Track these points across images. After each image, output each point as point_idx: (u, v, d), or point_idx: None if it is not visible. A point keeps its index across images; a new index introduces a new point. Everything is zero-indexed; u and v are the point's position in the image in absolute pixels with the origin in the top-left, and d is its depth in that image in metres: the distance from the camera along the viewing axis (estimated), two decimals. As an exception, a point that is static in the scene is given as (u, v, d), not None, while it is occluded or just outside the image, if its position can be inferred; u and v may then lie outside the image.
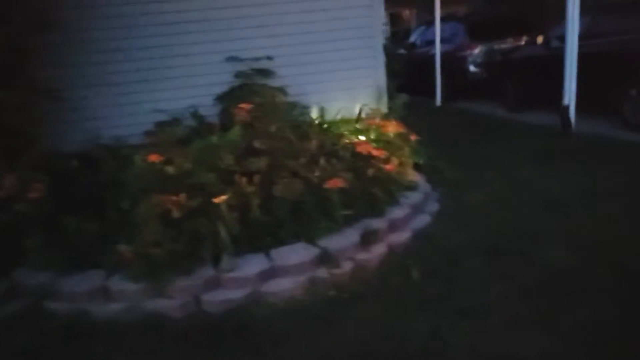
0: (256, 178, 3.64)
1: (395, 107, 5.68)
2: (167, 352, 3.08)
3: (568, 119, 7.35)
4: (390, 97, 5.76)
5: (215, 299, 3.45)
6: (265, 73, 5.14)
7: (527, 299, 3.33)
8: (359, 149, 4.26)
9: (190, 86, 5.02)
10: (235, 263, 3.51)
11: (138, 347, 3.11)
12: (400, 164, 4.72)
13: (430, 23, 12.72)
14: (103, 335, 3.25)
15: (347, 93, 5.44)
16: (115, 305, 3.43)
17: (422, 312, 3.31)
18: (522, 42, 10.52)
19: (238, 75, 5.05)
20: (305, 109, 5.15)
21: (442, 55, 11.68)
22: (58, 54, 4.56)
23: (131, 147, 4.17)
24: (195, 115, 4.86)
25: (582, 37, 7.12)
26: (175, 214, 3.29)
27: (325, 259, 3.70)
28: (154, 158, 3.68)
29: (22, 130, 4.03)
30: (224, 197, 3.39)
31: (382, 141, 4.81)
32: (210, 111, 4.97)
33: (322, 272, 3.67)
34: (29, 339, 3.21)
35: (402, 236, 4.16)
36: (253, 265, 3.57)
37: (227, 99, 4.92)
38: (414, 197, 4.60)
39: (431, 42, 12.16)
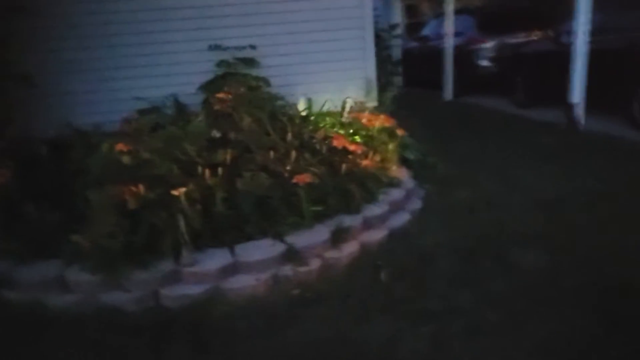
0: (221, 170, 3.51)
1: (386, 101, 5.49)
2: (114, 346, 2.98)
3: (575, 117, 7.09)
4: (382, 90, 5.58)
5: (174, 293, 3.35)
6: (250, 62, 5.00)
7: (497, 306, 3.18)
8: (335, 143, 4.11)
9: (172, 74, 4.92)
10: (195, 257, 3.40)
11: (86, 340, 3.02)
12: (383, 160, 4.56)
13: (443, 16, 12.43)
14: (54, 326, 3.16)
15: (334, 85, 5.28)
16: (70, 297, 3.34)
17: (385, 315, 3.17)
18: (534, 37, 10.20)
19: (221, 64, 4.92)
20: (287, 100, 5.00)
21: (453, 48, 11.41)
22: (35, 39, 4.48)
23: (104, 135, 4.07)
24: (177, 103, 4.74)
25: (593, 33, 6.85)
26: (131, 205, 3.18)
27: (292, 256, 3.58)
28: (120, 147, 3.58)
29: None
30: (183, 190, 3.27)
31: (365, 135, 4.64)
32: (193, 100, 4.85)
33: (287, 270, 3.55)
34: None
35: (377, 235, 4.01)
36: (215, 260, 3.46)
37: (210, 88, 4.79)
38: (395, 194, 4.43)
39: (443, 35, 11.88)
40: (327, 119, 4.89)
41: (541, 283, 3.37)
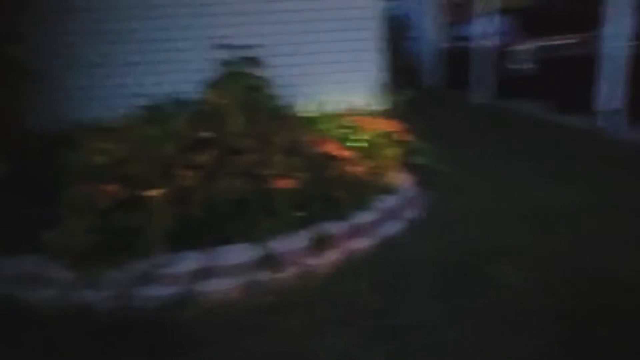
0: (200, 172, 3.46)
1: (396, 104, 5.32)
2: (70, 345, 2.97)
3: (615, 124, 6.70)
4: (393, 92, 5.42)
5: (145, 294, 3.32)
6: (253, 62, 4.94)
7: (464, 324, 3.01)
8: (325, 147, 3.99)
9: (174, 71, 4.92)
10: (169, 259, 3.36)
11: (45, 337, 3.03)
12: (379, 166, 4.41)
13: (484, 15, 12.05)
14: (22, 322, 3.19)
15: (341, 86, 5.18)
16: (44, 292, 3.36)
17: (349, 328, 3.06)
18: (575, 40, 9.73)
19: (224, 63, 4.88)
20: (291, 100, 4.91)
21: (490, 49, 11.04)
22: (41, 35, 4.57)
23: (94, 131, 4.09)
24: (178, 101, 4.73)
25: (635, 37, 6.46)
26: (103, 204, 3.17)
27: (269, 261, 3.49)
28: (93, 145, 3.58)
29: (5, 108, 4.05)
30: (156, 190, 3.24)
31: (362, 140, 4.50)
32: (195, 98, 4.83)
33: (263, 276, 3.47)
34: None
35: (363, 243, 3.88)
36: (189, 262, 3.42)
37: (211, 86, 4.76)
38: (390, 201, 4.28)
39: (482, 36, 11.52)
40: (328, 121, 4.77)
41: (517, 302, 3.18)
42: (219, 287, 3.38)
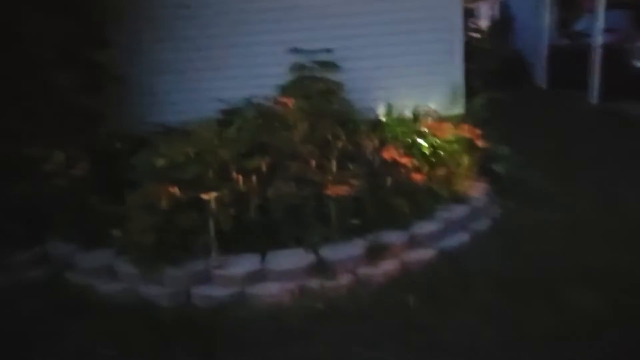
0: (255, 177, 3.56)
1: (475, 108, 5.09)
2: (132, 337, 3.17)
3: None
4: (471, 95, 5.19)
5: (202, 293, 3.48)
6: (328, 65, 4.95)
7: (524, 351, 2.81)
8: (384, 155, 3.91)
9: (252, 76, 5.04)
10: (224, 260, 3.49)
11: (113, 327, 3.27)
12: (449, 173, 4.24)
13: (599, 9, 11.11)
14: (97, 312, 3.47)
15: (416, 90, 5.03)
16: (116, 285, 3.64)
17: (395, 343, 3.02)
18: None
19: (298, 67, 4.95)
20: (364, 105, 4.87)
21: (605, 46, 10.15)
22: (127, 41, 4.91)
23: (166, 134, 4.34)
24: (255, 106, 4.85)
25: None
26: (163, 205, 3.36)
27: (321, 268, 3.51)
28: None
29: (85, 109, 4.44)
30: (213, 194, 3.38)
31: (433, 145, 4.36)
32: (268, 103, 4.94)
33: (315, 282, 3.49)
34: (41, 306, 3.55)
35: (423, 254, 3.77)
36: (243, 265, 3.53)
37: (286, 91, 4.85)
38: (457, 211, 4.12)
39: (597, 31, 10.62)
40: (399, 126, 4.67)
41: (587, 331, 2.91)
42: (271, 290, 3.45)
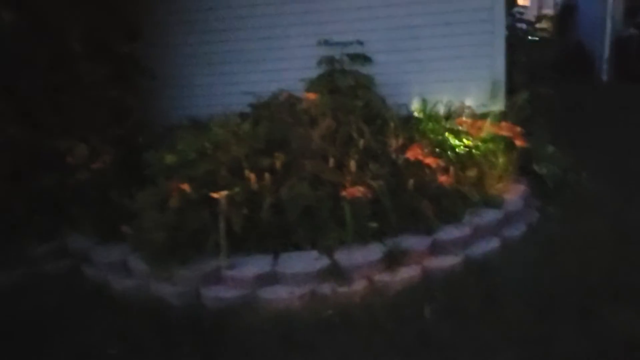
0: (268, 176, 3.41)
1: (517, 104, 4.73)
2: (138, 336, 3.12)
3: None
4: (514, 91, 4.83)
5: (212, 294, 3.38)
6: (359, 58, 4.74)
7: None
8: (408, 154, 3.67)
9: (282, 69, 4.90)
10: (234, 261, 3.38)
11: (121, 326, 3.22)
12: (483, 174, 3.95)
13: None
14: (109, 308, 3.44)
15: (453, 85, 4.73)
16: (130, 281, 3.60)
17: (406, 358, 2.78)
18: None
19: (328, 60, 4.75)
20: (397, 100, 4.62)
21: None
22: (159, 33, 4.86)
23: (192, 128, 4.26)
24: (280, 100, 4.71)
25: None
26: (173, 202, 3.27)
27: (335, 273, 3.33)
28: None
29: (113, 102, 4.42)
30: (224, 193, 3.25)
31: (466, 144, 4.07)
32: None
33: (327, 287, 3.32)
34: (56, 299, 3.56)
35: (447, 261, 3.52)
36: (253, 266, 3.39)
37: (314, 85, 4.67)
38: (488, 216, 3.83)
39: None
40: (432, 123, 4.40)
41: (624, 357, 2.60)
42: (282, 294, 3.31)
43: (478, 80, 4.71)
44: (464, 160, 4.00)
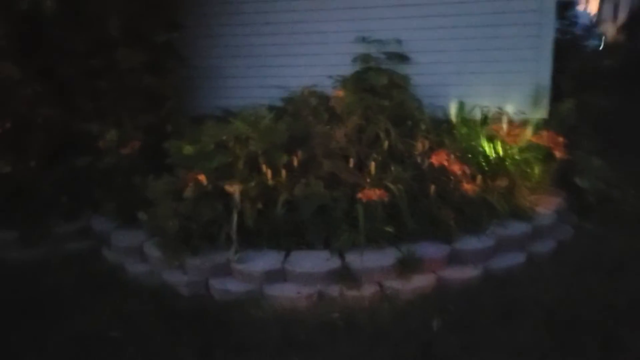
0: (285, 173, 3.34)
1: (562, 113, 4.45)
2: (140, 324, 3.12)
3: None
4: (560, 99, 4.55)
5: (221, 286, 3.35)
6: (397, 57, 4.59)
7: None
8: (433, 159, 3.50)
9: (316, 65, 4.81)
10: (245, 255, 3.34)
11: (129, 311, 3.24)
12: (515, 184, 3.74)
13: None
14: (120, 292, 3.47)
15: (495, 89, 4.51)
16: (143, 267, 3.63)
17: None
18: None
19: (364, 58, 4.63)
20: (434, 102, 4.46)
21: None
22: (197, 23, 4.88)
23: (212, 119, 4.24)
24: (310, 96, 4.62)
25: None
26: (187, 192, 3.26)
27: (345, 275, 3.24)
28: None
29: (148, 90, 4.49)
30: (238, 186, 3.21)
31: (500, 152, 3.87)
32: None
33: (336, 289, 3.23)
34: (72, 279, 3.63)
35: (465, 273, 3.36)
36: (263, 262, 3.34)
37: (348, 82, 4.56)
38: (515, 228, 3.62)
39: None
40: (467, 128, 4.20)
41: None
42: (289, 292, 3.25)
43: (520, 86, 4.46)
44: (496, 169, 3.80)
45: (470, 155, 3.89)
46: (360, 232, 3.22)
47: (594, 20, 15.54)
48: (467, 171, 3.51)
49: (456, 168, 3.44)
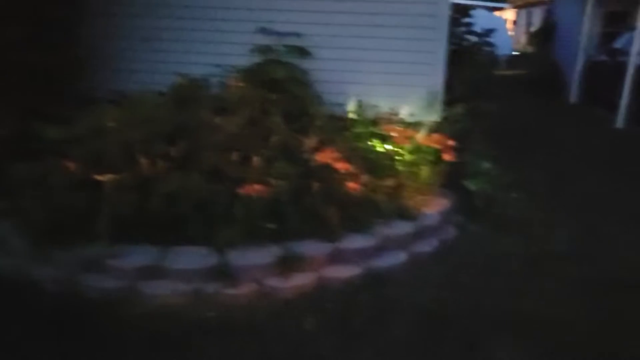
0: (165, 163, 3.19)
1: (453, 117, 4.58)
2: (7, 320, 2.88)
3: None
4: (451, 104, 4.68)
5: (90, 283, 3.15)
6: (297, 51, 4.54)
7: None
8: (319, 157, 3.49)
9: (217, 54, 4.68)
10: (117, 250, 3.15)
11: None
12: (401, 185, 3.79)
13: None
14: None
15: (391, 90, 4.58)
16: (7, 260, 3.32)
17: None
18: None
19: (263, 49, 4.54)
20: (332, 99, 4.44)
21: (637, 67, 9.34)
22: (97, 7, 4.60)
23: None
24: (206, 83, 4.47)
25: None
26: (55, 181, 3.04)
27: (222, 272, 3.14)
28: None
29: (34, 67, 4.15)
30: (109, 176, 3.03)
31: (389, 153, 3.91)
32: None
33: (213, 287, 3.12)
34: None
35: (346, 271, 3.36)
36: (137, 257, 3.19)
37: (245, 72, 4.46)
38: (398, 228, 3.67)
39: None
40: (360, 127, 4.22)
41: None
42: (164, 290, 3.12)
43: (415, 88, 4.56)
44: (384, 169, 3.83)
45: (360, 154, 3.90)
46: (239, 228, 3.13)
47: (506, 29, 16.26)
48: (353, 170, 3.50)
49: (341, 166, 3.43)
